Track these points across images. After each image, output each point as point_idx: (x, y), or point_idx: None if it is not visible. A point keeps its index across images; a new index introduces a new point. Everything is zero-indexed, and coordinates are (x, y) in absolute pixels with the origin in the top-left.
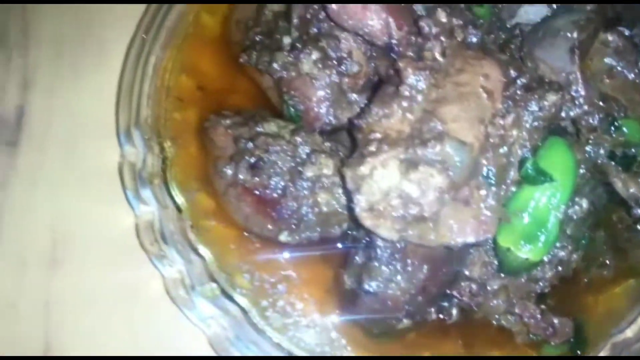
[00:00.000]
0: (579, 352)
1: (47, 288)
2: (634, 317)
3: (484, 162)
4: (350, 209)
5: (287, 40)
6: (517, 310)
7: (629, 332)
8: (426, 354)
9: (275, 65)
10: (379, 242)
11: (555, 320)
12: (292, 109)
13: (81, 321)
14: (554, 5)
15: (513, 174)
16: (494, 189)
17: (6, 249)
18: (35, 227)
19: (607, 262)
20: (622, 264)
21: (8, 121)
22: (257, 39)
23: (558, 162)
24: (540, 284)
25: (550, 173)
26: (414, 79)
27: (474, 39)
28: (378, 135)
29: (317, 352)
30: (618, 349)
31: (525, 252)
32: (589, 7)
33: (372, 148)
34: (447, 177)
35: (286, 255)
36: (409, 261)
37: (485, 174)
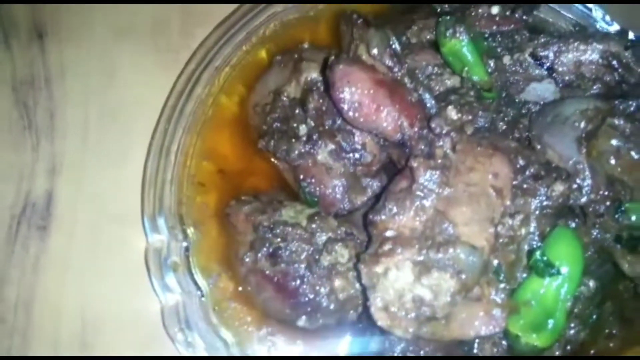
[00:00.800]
0: None
1: None
2: None
3: (494, 260)
4: (365, 304)
5: (303, 129)
6: None
7: None
8: None
9: (292, 155)
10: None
11: None
12: (308, 195)
13: None
14: (561, 85)
15: (522, 265)
16: (503, 284)
17: (38, 330)
18: (66, 310)
19: (614, 332)
20: (629, 333)
21: (38, 206)
22: (275, 125)
23: (566, 254)
24: None
25: (558, 265)
26: (426, 178)
27: (483, 121)
28: (392, 233)
29: None
30: None
31: (533, 339)
32: (595, 87)
33: (386, 247)
34: (459, 281)
35: (304, 338)
36: (422, 352)
37: (495, 270)
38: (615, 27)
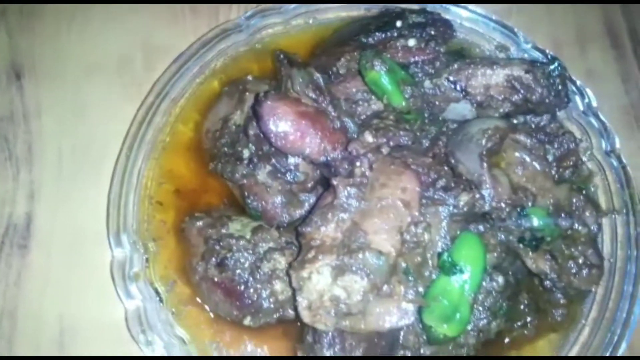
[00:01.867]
0: None
1: None
2: None
3: (402, 262)
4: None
5: (246, 153)
6: None
7: None
8: None
9: (236, 176)
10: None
11: None
12: (252, 210)
13: None
14: (475, 105)
15: (431, 266)
16: (411, 282)
17: (21, 336)
18: (45, 318)
19: (529, 322)
20: (543, 322)
21: (19, 226)
22: (223, 150)
23: (469, 257)
24: (465, 349)
25: (461, 266)
26: (345, 195)
27: (406, 139)
28: (317, 242)
29: None
30: None
31: (444, 330)
32: (502, 109)
33: (311, 255)
34: (369, 281)
35: (250, 335)
36: (347, 343)
37: (404, 271)
38: (530, 46)
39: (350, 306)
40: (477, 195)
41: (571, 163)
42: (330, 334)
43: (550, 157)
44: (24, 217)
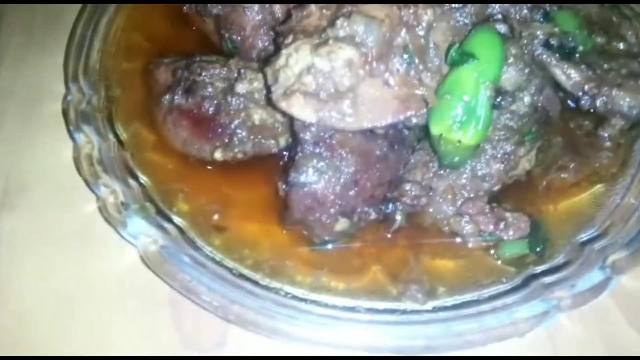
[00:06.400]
0: (538, 250)
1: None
2: (601, 222)
3: (400, 41)
4: (270, 100)
5: None
6: (464, 209)
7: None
8: (374, 266)
9: (209, 6)
10: (304, 136)
11: (508, 215)
12: (230, 43)
13: (27, 245)
14: None
15: (437, 60)
16: (413, 69)
17: None
18: None
19: (567, 164)
20: (584, 167)
21: None
22: None
23: (482, 43)
24: (487, 180)
25: (473, 52)
26: None
27: None
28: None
29: (258, 270)
30: (583, 249)
31: (458, 137)
32: None
33: (288, 40)
34: (357, 50)
35: (223, 178)
36: (335, 152)
37: (403, 54)
38: None
39: (335, 80)
40: None
41: None
42: (313, 139)
43: None
44: None
